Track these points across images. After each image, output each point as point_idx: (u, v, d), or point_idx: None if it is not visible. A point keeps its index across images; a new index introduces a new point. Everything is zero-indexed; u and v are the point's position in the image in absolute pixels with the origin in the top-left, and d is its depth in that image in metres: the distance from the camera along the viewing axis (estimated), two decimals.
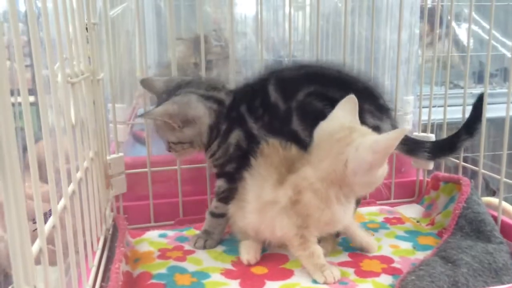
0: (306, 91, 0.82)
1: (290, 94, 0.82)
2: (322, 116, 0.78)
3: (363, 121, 0.79)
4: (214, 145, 0.86)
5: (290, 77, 0.85)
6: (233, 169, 0.86)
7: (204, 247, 0.89)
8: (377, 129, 0.80)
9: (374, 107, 0.84)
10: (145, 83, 0.91)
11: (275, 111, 0.83)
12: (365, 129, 0.76)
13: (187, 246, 0.90)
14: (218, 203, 0.89)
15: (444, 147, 0.95)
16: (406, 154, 0.93)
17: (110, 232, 0.89)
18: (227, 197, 0.87)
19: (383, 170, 0.74)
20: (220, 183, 0.88)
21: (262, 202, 0.79)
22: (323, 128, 0.77)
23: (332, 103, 0.78)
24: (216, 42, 1.61)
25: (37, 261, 0.43)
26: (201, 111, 0.84)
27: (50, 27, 0.52)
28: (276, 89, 0.83)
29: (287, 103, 0.82)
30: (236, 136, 0.84)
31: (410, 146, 0.92)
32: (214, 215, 0.90)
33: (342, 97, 0.78)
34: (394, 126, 0.86)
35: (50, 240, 0.48)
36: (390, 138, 0.69)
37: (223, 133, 0.85)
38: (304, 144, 0.80)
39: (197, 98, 0.84)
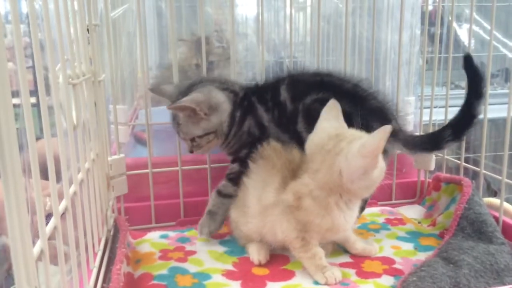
0: (315, 97, 0.84)
1: (299, 96, 0.86)
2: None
3: None
4: (231, 134, 0.90)
5: (303, 81, 0.89)
6: (244, 155, 0.89)
7: (210, 233, 0.91)
8: (385, 152, 0.79)
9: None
10: (156, 91, 0.96)
11: (283, 109, 0.87)
12: (352, 133, 0.75)
13: (188, 247, 0.90)
14: (227, 182, 0.92)
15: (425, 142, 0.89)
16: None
17: (111, 233, 0.89)
18: (236, 178, 0.90)
19: (379, 170, 0.73)
20: (233, 166, 0.92)
21: (263, 206, 0.79)
22: (313, 141, 0.77)
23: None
24: (218, 43, 1.61)
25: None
26: (222, 98, 0.89)
27: (52, 28, 0.52)
28: (287, 90, 0.88)
29: (294, 104, 0.86)
30: (248, 124, 0.89)
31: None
32: (220, 194, 0.92)
33: (350, 112, 0.80)
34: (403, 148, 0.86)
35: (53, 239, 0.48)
36: (375, 139, 0.68)
37: (238, 121, 0.89)
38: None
39: (215, 88, 0.90)
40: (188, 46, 1.60)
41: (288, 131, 0.87)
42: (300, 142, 0.82)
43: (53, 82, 0.52)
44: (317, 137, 0.77)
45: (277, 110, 0.88)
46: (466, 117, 0.84)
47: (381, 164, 0.73)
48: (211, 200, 0.93)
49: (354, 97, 0.85)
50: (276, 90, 0.89)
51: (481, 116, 0.95)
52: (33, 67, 0.46)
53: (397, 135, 0.83)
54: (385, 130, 0.67)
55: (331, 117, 0.77)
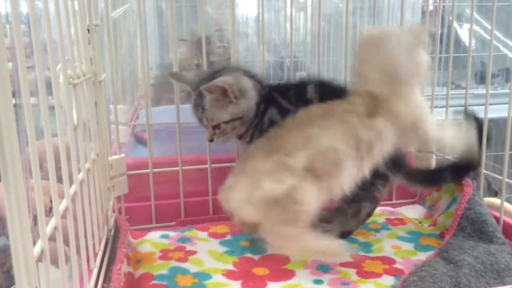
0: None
1: (326, 99, 0.85)
2: None
3: None
4: (252, 127, 0.90)
5: (330, 87, 0.91)
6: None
7: None
8: (386, 179, 0.91)
9: None
10: (176, 77, 0.95)
11: (310, 105, 0.87)
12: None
13: (188, 247, 0.90)
14: None
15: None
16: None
17: (112, 233, 0.89)
18: None
19: (425, 60, 0.79)
20: None
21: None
22: (362, 42, 0.83)
23: None
24: (219, 43, 1.61)
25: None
26: (250, 84, 0.89)
27: (52, 28, 0.52)
28: (315, 90, 0.89)
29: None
30: (269, 113, 0.89)
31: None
32: None
33: None
34: None
35: (54, 239, 0.48)
36: (420, 28, 0.78)
37: (261, 113, 0.90)
38: None
39: (243, 75, 0.90)
40: (189, 46, 1.60)
41: None
42: None
43: (54, 82, 0.52)
44: (364, 38, 0.82)
45: (302, 104, 0.87)
46: (469, 163, 0.92)
47: (426, 57, 0.79)
48: None
49: None
50: (302, 88, 0.90)
51: (481, 116, 0.95)
52: (33, 67, 0.46)
53: (401, 167, 0.91)
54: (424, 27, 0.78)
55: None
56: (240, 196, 0.75)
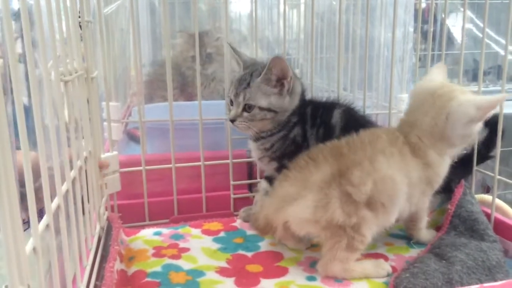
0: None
1: (349, 129, 0.85)
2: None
3: None
4: (276, 135, 0.91)
5: (355, 117, 0.92)
6: (286, 163, 0.87)
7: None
8: None
9: None
10: (234, 49, 0.96)
11: (331, 131, 0.89)
12: (463, 88, 0.81)
13: (182, 244, 0.90)
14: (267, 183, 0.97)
15: None
16: None
17: (105, 231, 0.89)
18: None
19: (479, 126, 0.80)
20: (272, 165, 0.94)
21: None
22: (422, 87, 0.83)
23: None
24: (218, 34, 1.60)
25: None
26: (300, 90, 0.91)
27: (44, 25, 0.51)
28: (341, 116, 0.90)
29: (343, 132, 0.86)
30: (296, 131, 0.90)
31: None
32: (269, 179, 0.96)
33: None
34: None
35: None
36: (494, 99, 0.75)
37: (290, 127, 0.90)
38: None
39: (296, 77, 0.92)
40: (186, 38, 1.60)
41: None
42: None
43: (45, 79, 0.52)
44: (427, 84, 0.82)
45: (323, 129, 0.89)
46: (481, 155, 0.95)
47: (480, 123, 0.80)
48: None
49: None
50: (329, 111, 0.91)
51: None
52: (24, 64, 0.45)
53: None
54: (502, 97, 0.77)
55: (438, 73, 0.84)
56: (304, 215, 0.75)
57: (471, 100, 0.76)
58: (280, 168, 0.89)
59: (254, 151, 0.96)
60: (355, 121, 0.90)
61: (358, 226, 0.74)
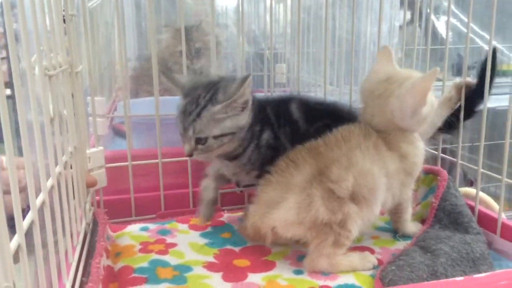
0: (324, 123, 0.86)
1: (311, 119, 0.87)
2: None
3: None
4: (249, 149, 0.86)
5: (312, 106, 0.91)
6: (268, 168, 0.83)
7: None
8: None
9: None
10: (169, 76, 0.88)
11: (297, 127, 0.87)
12: (403, 75, 0.80)
13: (169, 239, 0.90)
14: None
15: None
16: None
17: (90, 227, 0.88)
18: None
19: (429, 105, 0.78)
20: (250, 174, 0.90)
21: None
22: (365, 87, 0.83)
23: None
24: (206, 31, 1.59)
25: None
26: (251, 97, 0.83)
27: (27, 18, 0.51)
28: (299, 110, 0.88)
29: (307, 125, 0.87)
30: (266, 136, 0.86)
31: None
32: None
33: None
34: None
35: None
36: (424, 80, 0.75)
37: (257, 135, 0.86)
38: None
39: None
40: (173, 33, 1.59)
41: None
42: None
43: (29, 74, 0.51)
44: (368, 83, 0.82)
45: (289, 127, 0.87)
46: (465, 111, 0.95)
47: (431, 99, 0.79)
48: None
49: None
50: (287, 107, 0.89)
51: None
52: (7, 58, 0.45)
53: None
54: (433, 72, 0.75)
55: (384, 60, 0.83)
56: (289, 217, 0.75)
57: (405, 91, 0.77)
58: (261, 174, 0.85)
59: (226, 168, 0.90)
60: (314, 110, 0.89)
61: (343, 221, 0.74)
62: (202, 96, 0.81)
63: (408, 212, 0.88)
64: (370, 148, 0.78)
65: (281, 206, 0.75)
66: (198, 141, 0.81)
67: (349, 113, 0.93)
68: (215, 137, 0.80)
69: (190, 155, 0.82)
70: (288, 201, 0.75)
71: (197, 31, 1.57)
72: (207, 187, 0.94)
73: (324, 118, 0.87)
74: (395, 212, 0.88)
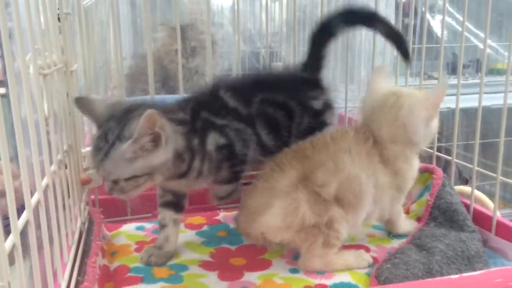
0: (259, 98, 0.82)
1: (246, 100, 0.81)
2: (276, 121, 0.83)
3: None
4: (196, 164, 0.76)
5: (239, 86, 0.85)
6: (231, 170, 0.80)
7: None
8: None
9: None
10: (82, 103, 0.75)
11: (238, 115, 0.80)
12: (408, 90, 0.82)
13: None
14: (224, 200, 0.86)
15: None
16: None
17: (86, 226, 0.88)
18: (232, 194, 0.85)
19: (436, 120, 0.81)
20: (225, 187, 0.83)
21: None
22: (372, 100, 0.82)
23: (279, 107, 0.83)
24: (200, 29, 1.59)
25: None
26: (170, 130, 0.71)
27: (21, 17, 0.50)
28: (232, 96, 0.81)
29: (247, 108, 0.81)
30: (212, 140, 0.77)
31: None
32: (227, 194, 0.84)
33: (285, 100, 0.83)
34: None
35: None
36: (437, 93, 0.78)
37: (199, 148, 0.76)
38: (268, 148, 0.82)
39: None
40: (169, 32, 1.59)
41: (247, 135, 0.81)
42: (261, 145, 0.82)
43: (23, 73, 0.51)
44: (375, 96, 0.82)
45: (232, 118, 0.79)
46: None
47: (436, 123, 0.82)
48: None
49: (288, 88, 0.86)
50: (219, 99, 0.81)
51: (453, 106, 0.97)
52: (2, 57, 0.44)
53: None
54: (445, 85, 0.79)
55: (379, 79, 0.84)
56: (276, 223, 0.75)
57: (418, 102, 0.78)
58: (225, 181, 0.81)
59: (177, 185, 0.80)
60: (246, 88, 0.84)
61: (330, 223, 0.74)
62: (111, 130, 0.69)
63: (400, 220, 0.88)
64: (362, 154, 0.77)
65: (267, 212, 0.75)
66: (113, 182, 0.71)
67: (290, 74, 0.90)
68: (127, 180, 0.70)
69: (112, 194, 0.73)
70: (273, 207, 0.74)
71: (192, 29, 1.57)
72: (169, 238, 0.82)
73: (261, 91, 0.83)
74: (386, 221, 0.89)
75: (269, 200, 0.75)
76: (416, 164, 0.84)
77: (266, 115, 0.82)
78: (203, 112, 0.78)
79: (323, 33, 0.91)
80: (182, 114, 0.76)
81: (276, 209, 0.74)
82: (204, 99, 0.82)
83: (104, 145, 0.69)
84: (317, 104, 0.86)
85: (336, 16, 0.89)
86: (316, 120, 0.86)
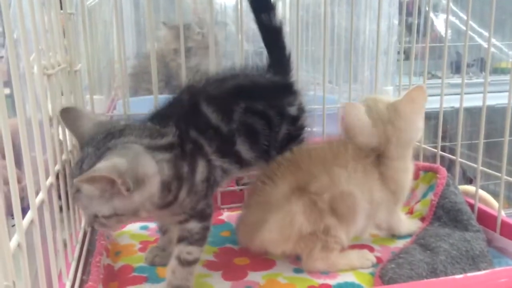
0: (240, 109, 0.75)
1: (227, 114, 0.73)
2: (257, 133, 0.77)
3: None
4: (182, 195, 0.66)
5: (219, 96, 0.75)
6: (205, 205, 0.70)
7: None
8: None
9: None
10: (68, 116, 0.66)
11: (220, 133, 0.72)
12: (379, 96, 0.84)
13: None
14: (192, 247, 0.70)
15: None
16: None
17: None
18: (203, 238, 0.71)
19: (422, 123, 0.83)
20: (191, 226, 0.70)
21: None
22: (369, 116, 0.81)
23: (260, 117, 0.77)
24: (198, 29, 1.59)
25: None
26: (152, 168, 0.62)
27: (25, 17, 0.50)
28: (214, 111, 0.72)
29: (228, 125, 0.73)
30: (201, 170, 0.69)
31: None
32: (188, 263, 0.70)
33: (266, 109, 0.78)
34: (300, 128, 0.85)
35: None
36: (415, 89, 0.80)
37: (188, 176, 0.66)
38: (247, 163, 0.76)
39: (144, 150, 0.62)
40: (167, 31, 1.59)
41: (229, 156, 0.73)
42: (240, 162, 0.75)
43: (28, 73, 0.51)
44: (369, 114, 0.80)
45: (215, 137, 0.71)
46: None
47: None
48: (176, 274, 0.69)
49: (268, 95, 0.80)
50: (202, 115, 0.72)
51: (457, 105, 0.97)
52: (6, 57, 0.45)
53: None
54: (423, 87, 0.81)
55: (359, 109, 0.81)
56: (273, 237, 0.75)
57: (401, 101, 0.80)
58: (193, 215, 0.70)
59: (159, 217, 0.74)
60: (225, 98, 0.75)
61: (327, 229, 0.75)
62: (88, 158, 0.61)
63: (400, 225, 0.88)
64: (358, 171, 0.77)
65: (264, 228, 0.75)
66: (94, 216, 0.61)
67: (268, 79, 0.83)
68: (107, 217, 0.60)
69: (91, 227, 0.64)
70: (269, 222, 0.75)
71: (189, 30, 1.57)
72: (173, 240, 0.74)
73: (242, 100, 0.75)
74: (387, 228, 0.89)
75: (264, 215, 0.75)
76: (411, 168, 0.84)
77: (247, 127, 0.75)
78: (191, 131, 0.69)
79: (268, 33, 0.87)
80: (167, 136, 0.66)
81: (271, 224, 0.75)
82: (186, 113, 0.72)
83: (79, 174, 0.58)
84: (293, 111, 0.82)
85: (255, 10, 0.85)
86: (294, 127, 0.83)
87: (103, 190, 0.58)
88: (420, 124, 0.82)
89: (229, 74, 0.82)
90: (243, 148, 0.75)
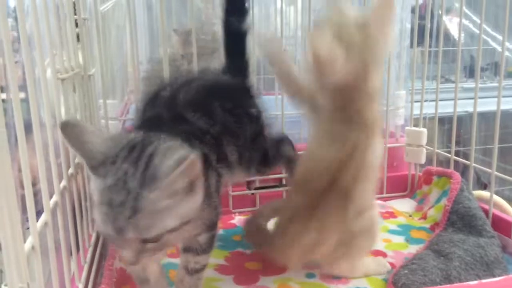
0: (217, 109, 0.71)
1: (210, 115, 0.68)
2: (235, 132, 0.73)
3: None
4: (204, 206, 0.60)
5: (194, 99, 0.70)
6: (216, 215, 0.67)
7: None
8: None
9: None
10: (70, 131, 0.52)
11: (213, 137, 0.68)
12: None
13: None
14: (199, 257, 0.67)
15: None
16: None
17: None
18: (211, 246, 0.68)
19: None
20: (201, 238, 0.66)
21: None
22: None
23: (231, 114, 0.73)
24: (201, 35, 1.60)
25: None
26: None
27: (40, 22, 0.51)
28: (199, 117, 0.67)
29: (213, 127, 0.68)
30: (213, 181, 0.65)
31: None
32: (196, 271, 0.67)
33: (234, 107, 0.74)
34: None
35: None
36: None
37: (207, 189, 0.60)
38: (233, 168, 0.73)
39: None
40: (176, 37, 1.60)
41: (221, 159, 0.69)
42: (227, 164, 0.71)
43: (42, 77, 0.51)
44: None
45: (211, 142, 0.67)
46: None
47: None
48: (185, 283, 0.68)
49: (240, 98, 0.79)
50: (189, 123, 0.66)
51: (470, 110, 0.96)
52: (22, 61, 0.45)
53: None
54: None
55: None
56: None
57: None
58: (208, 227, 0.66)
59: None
60: (202, 104, 0.70)
61: None
62: (129, 174, 0.51)
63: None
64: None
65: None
66: (146, 240, 0.52)
67: (236, 83, 0.81)
68: (172, 230, 0.53)
69: (136, 263, 0.54)
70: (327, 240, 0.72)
71: (190, 35, 1.58)
72: None
73: (213, 100, 0.71)
74: None
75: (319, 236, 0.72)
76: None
77: (226, 127, 0.71)
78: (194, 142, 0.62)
79: (231, 37, 0.84)
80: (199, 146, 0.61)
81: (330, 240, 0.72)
82: (175, 126, 0.64)
83: (127, 195, 0.49)
84: (254, 112, 0.79)
85: (226, 11, 0.83)
86: (257, 126, 0.79)
87: (180, 190, 0.51)
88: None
89: (190, 77, 0.79)
90: (228, 149, 0.71)
